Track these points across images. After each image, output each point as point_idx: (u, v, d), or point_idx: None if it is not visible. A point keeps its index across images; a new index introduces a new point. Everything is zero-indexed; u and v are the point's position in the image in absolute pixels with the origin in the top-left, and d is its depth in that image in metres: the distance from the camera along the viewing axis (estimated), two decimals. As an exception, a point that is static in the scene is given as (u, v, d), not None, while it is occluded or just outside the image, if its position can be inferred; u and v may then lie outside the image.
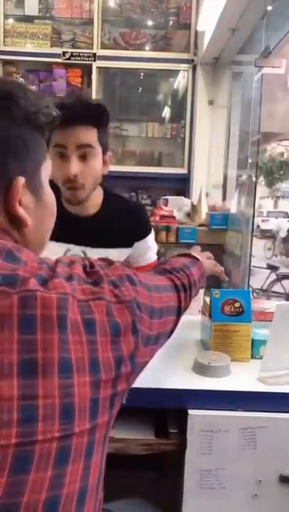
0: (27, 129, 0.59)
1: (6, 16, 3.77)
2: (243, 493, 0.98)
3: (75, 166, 1.18)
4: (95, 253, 1.25)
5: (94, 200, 1.31)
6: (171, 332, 0.78)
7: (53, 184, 1.34)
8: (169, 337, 0.77)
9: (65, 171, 1.19)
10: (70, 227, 1.23)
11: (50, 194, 0.66)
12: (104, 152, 1.25)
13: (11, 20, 3.81)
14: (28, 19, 3.80)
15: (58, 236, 1.26)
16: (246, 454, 0.97)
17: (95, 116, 1.19)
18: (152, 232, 1.48)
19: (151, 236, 1.47)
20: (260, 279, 6.02)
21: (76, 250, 1.30)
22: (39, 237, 0.66)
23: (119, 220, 1.32)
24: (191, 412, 0.96)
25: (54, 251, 1.23)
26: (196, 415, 0.96)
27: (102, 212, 1.33)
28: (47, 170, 0.65)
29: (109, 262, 0.64)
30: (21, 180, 0.58)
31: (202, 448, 0.96)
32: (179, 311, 0.80)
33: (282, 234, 11.87)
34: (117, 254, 1.33)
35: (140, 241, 1.40)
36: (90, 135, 1.19)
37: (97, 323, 0.54)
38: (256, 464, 0.97)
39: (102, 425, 0.54)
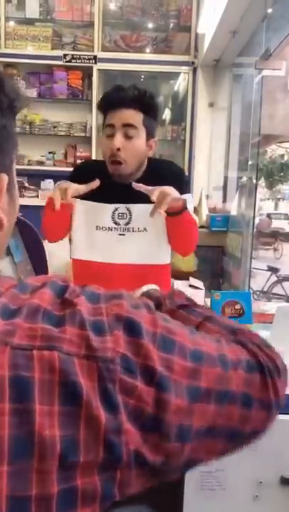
0: (9, 118, 0.50)
1: (6, 19, 3.78)
2: (244, 495, 0.98)
3: (118, 140, 1.34)
4: (138, 209, 1.40)
5: (136, 175, 1.42)
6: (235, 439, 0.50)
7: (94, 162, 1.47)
8: (233, 439, 0.50)
9: (111, 145, 1.34)
10: (115, 190, 1.39)
11: (17, 194, 0.55)
12: (149, 136, 1.39)
13: (11, 23, 3.82)
14: (29, 22, 3.81)
15: (104, 199, 1.40)
16: (247, 455, 0.97)
17: (142, 101, 1.35)
18: (191, 197, 1.53)
19: (191, 198, 1.51)
20: (260, 281, 6.02)
21: (122, 208, 1.42)
22: (5, 239, 0.54)
23: (161, 176, 1.41)
24: None
25: (104, 211, 1.42)
26: None
27: (146, 174, 1.44)
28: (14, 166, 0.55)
29: (117, 296, 0.46)
30: (5, 178, 0.49)
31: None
32: (269, 411, 0.51)
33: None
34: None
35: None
36: (135, 117, 1.35)
37: (36, 383, 0.38)
38: (257, 465, 0.97)
39: None
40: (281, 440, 0.97)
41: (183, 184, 1.46)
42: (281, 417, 0.97)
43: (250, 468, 0.98)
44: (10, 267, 2.06)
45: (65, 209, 1.31)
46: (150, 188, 1.29)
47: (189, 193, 1.50)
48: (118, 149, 1.33)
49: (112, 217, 1.42)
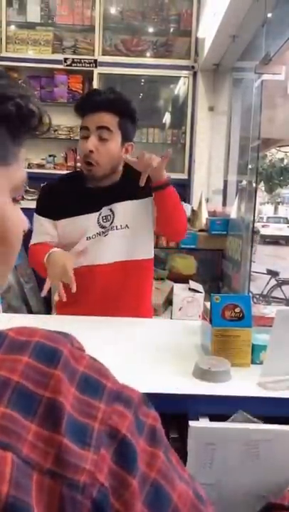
0: (12, 133, 0.44)
1: (8, 23, 3.80)
2: (245, 509, 0.97)
3: (91, 142, 1.36)
4: (120, 207, 1.43)
5: (113, 178, 1.45)
6: None
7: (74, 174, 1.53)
8: None
9: (84, 147, 1.37)
10: (98, 196, 1.42)
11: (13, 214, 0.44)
12: (125, 140, 1.41)
13: (12, 27, 3.84)
14: (30, 26, 3.83)
15: (90, 208, 1.41)
16: (249, 468, 0.96)
17: (118, 104, 1.37)
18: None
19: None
20: (260, 284, 6.02)
21: (105, 210, 1.44)
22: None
23: (135, 175, 1.41)
24: (191, 423, 0.90)
25: (89, 221, 1.43)
26: (196, 427, 0.94)
27: (123, 177, 1.47)
28: (10, 178, 0.44)
29: (126, 400, 0.35)
30: None
31: (203, 459, 0.96)
32: None
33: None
34: (142, 205, 1.45)
35: None
36: (110, 119, 1.37)
37: None
38: (259, 478, 0.96)
39: None
40: (283, 453, 0.96)
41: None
42: (284, 427, 0.97)
43: (252, 482, 0.97)
44: (10, 270, 2.04)
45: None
46: (135, 159, 1.35)
47: None
48: (91, 151, 1.36)
49: (98, 222, 1.44)
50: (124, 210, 1.43)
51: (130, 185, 1.42)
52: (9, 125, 0.43)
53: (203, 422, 0.93)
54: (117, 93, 1.40)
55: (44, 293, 1.26)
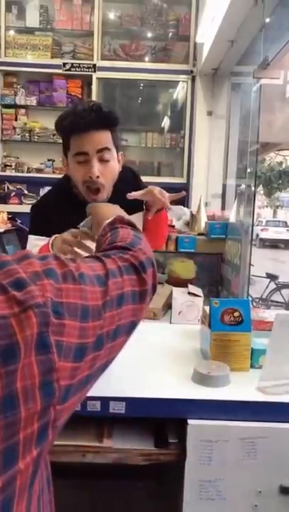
0: None
1: (7, 28, 3.81)
2: (243, 504, 0.97)
3: (96, 168, 1.25)
4: None
5: (108, 195, 1.38)
6: (133, 325, 0.61)
7: (62, 186, 1.41)
8: (130, 331, 0.61)
9: (87, 172, 1.25)
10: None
11: None
12: (117, 152, 1.33)
13: (12, 32, 3.86)
14: (29, 31, 3.85)
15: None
16: (246, 464, 0.96)
17: (108, 120, 1.26)
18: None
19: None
20: (259, 288, 6.02)
21: None
22: None
23: (124, 190, 1.35)
24: (190, 421, 0.96)
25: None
26: (195, 425, 0.96)
27: (114, 191, 1.37)
28: None
29: (24, 257, 0.49)
30: None
31: (202, 458, 0.96)
32: (141, 296, 0.62)
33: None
34: (134, 219, 1.40)
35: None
36: (106, 138, 1.26)
37: None
38: (256, 474, 0.97)
39: (25, 470, 0.41)
40: (280, 449, 0.96)
41: (140, 185, 1.45)
42: (280, 425, 0.96)
43: (250, 478, 0.97)
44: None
45: None
46: (141, 192, 1.31)
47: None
48: (98, 177, 1.25)
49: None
50: None
51: (122, 200, 1.37)
52: None
53: (202, 421, 0.97)
54: (104, 107, 1.27)
55: None
